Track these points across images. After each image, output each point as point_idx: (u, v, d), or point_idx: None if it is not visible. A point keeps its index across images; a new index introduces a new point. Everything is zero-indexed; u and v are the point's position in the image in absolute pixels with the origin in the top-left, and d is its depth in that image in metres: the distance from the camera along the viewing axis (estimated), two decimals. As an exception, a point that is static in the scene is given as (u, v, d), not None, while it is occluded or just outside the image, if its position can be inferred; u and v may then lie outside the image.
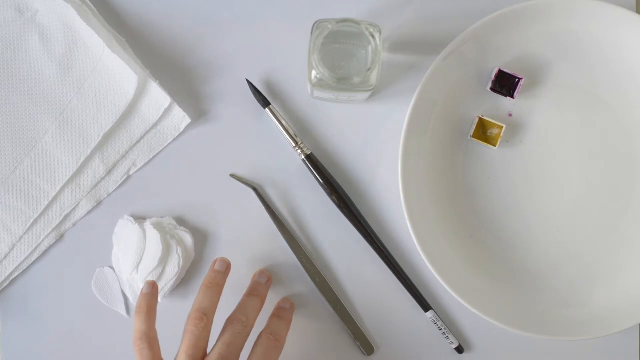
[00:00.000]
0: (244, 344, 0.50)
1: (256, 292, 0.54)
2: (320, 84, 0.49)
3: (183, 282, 0.57)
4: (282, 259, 0.57)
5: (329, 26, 0.48)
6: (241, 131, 0.57)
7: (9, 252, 0.56)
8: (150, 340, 0.49)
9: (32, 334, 0.57)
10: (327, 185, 0.55)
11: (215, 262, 0.54)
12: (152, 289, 0.52)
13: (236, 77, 0.57)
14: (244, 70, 0.57)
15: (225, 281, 0.53)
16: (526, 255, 0.56)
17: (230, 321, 0.51)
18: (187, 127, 0.57)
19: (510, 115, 0.56)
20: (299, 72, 0.56)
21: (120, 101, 0.56)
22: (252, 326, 0.52)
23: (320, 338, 0.57)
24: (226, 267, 0.54)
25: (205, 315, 0.49)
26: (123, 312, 0.57)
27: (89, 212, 0.57)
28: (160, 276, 0.55)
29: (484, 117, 0.55)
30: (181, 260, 0.56)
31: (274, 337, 0.51)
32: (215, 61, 0.57)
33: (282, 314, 0.54)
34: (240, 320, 0.50)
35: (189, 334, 0.49)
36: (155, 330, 0.50)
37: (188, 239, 0.56)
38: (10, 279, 0.57)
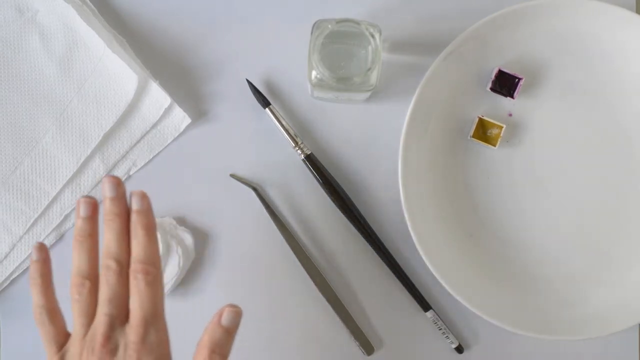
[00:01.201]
0: (127, 289, 0.43)
1: (112, 214, 0.44)
2: (320, 84, 0.49)
3: (183, 282, 0.57)
4: (282, 259, 0.57)
5: (329, 26, 0.48)
6: (241, 131, 0.57)
7: (9, 252, 0.57)
8: (50, 314, 0.44)
9: (32, 334, 0.57)
10: (327, 185, 0.56)
11: (78, 203, 0.45)
12: (40, 254, 0.45)
13: (236, 77, 0.57)
14: (244, 70, 0.57)
15: (96, 227, 0.44)
16: (526, 255, 0.56)
17: (102, 273, 0.43)
18: (187, 127, 0.57)
19: (510, 115, 0.56)
20: (299, 72, 0.56)
21: (120, 101, 0.56)
22: (128, 260, 0.43)
23: (320, 338, 0.57)
24: (92, 208, 0.45)
25: (86, 279, 0.43)
26: (123, 312, 0.57)
27: (89, 212, 0.57)
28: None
29: (484, 117, 0.55)
30: (181, 260, 0.56)
31: (142, 271, 0.42)
32: (215, 61, 0.57)
33: (138, 226, 0.44)
34: (109, 268, 0.43)
35: (76, 304, 0.43)
36: (54, 301, 0.45)
37: (188, 239, 0.56)
38: (11, 279, 0.57)
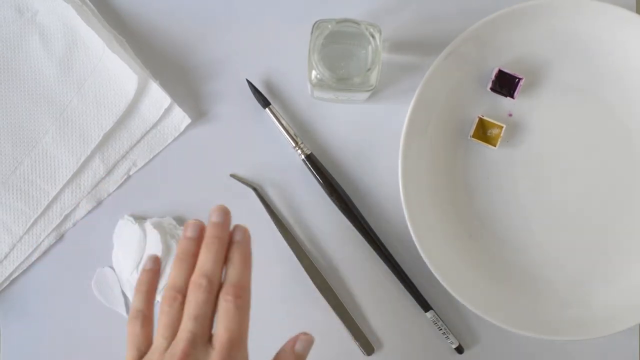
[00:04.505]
0: (214, 311, 0.44)
1: (214, 237, 0.45)
2: (320, 84, 0.49)
3: (183, 282, 0.57)
4: (282, 259, 0.57)
5: (329, 26, 0.48)
6: (241, 131, 0.57)
7: (9, 252, 0.56)
8: (146, 320, 0.45)
9: (32, 334, 0.57)
10: (327, 185, 0.56)
11: (187, 225, 0.46)
12: (153, 264, 0.47)
13: (236, 77, 0.57)
14: (244, 70, 0.57)
15: (199, 249, 0.45)
16: (526, 255, 0.56)
17: (191, 288, 0.44)
18: (187, 127, 0.57)
19: (510, 115, 0.56)
20: (299, 72, 0.56)
21: (120, 101, 0.56)
22: (219, 284, 0.44)
23: (320, 338, 0.57)
24: (199, 231, 0.46)
25: (179, 294, 0.44)
26: (123, 312, 0.57)
27: (89, 212, 0.57)
28: (160, 276, 0.55)
29: (484, 117, 0.55)
30: (181, 260, 0.56)
31: (234, 294, 0.43)
32: (215, 61, 0.57)
33: (236, 252, 0.45)
34: (201, 285, 0.43)
35: (164, 316, 0.44)
36: (152, 311, 0.46)
37: (188, 239, 0.56)
38: (11, 279, 0.57)
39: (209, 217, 0.46)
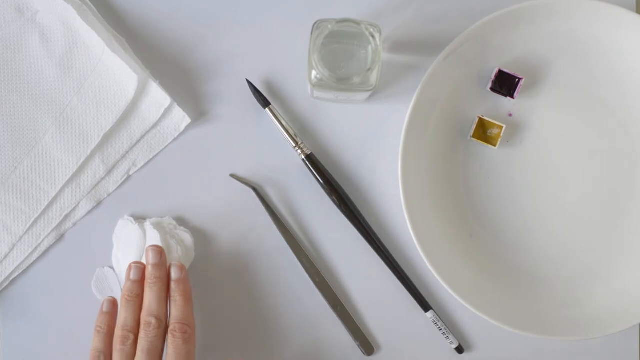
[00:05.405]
0: (164, 343, 0.51)
1: (154, 278, 0.52)
2: (320, 84, 0.49)
3: (183, 282, 0.57)
4: (282, 259, 0.57)
5: (329, 26, 0.48)
6: (241, 131, 0.57)
7: (9, 252, 0.56)
8: (105, 358, 0.52)
9: (32, 334, 0.57)
10: (327, 185, 0.56)
11: (129, 267, 0.53)
12: (111, 307, 0.54)
13: (236, 77, 0.57)
14: (244, 70, 0.57)
15: (143, 289, 0.53)
16: (526, 255, 0.56)
17: (142, 327, 0.51)
18: (187, 127, 0.57)
19: (510, 115, 0.56)
20: (299, 72, 0.56)
21: (120, 101, 0.56)
22: (166, 319, 0.52)
23: (320, 338, 0.57)
24: (141, 273, 0.53)
25: (131, 333, 0.51)
26: (123, 312, 0.57)
27: (89, 212, 0.57)
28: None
29: (484, 117, 0.55)
30: (181, 260, 0.56)
31: (180, 330, 0.51)
32: (215, 61, 0.57)
33: (177, 291, 0.53)
34: (150, 324, 0.51)
35: (119, 353, 0.51)
36: (111, 348, 0.52)
37: (188, 239, 0.56)
38: (11, 279, 0.57)
39: (145, 256, 0.53)
